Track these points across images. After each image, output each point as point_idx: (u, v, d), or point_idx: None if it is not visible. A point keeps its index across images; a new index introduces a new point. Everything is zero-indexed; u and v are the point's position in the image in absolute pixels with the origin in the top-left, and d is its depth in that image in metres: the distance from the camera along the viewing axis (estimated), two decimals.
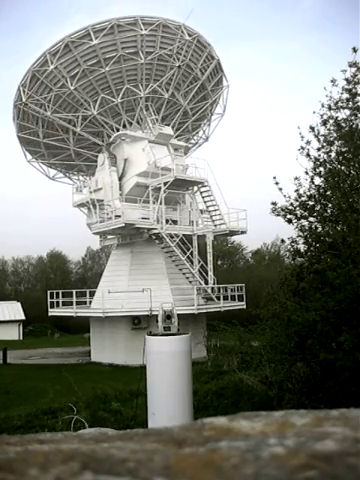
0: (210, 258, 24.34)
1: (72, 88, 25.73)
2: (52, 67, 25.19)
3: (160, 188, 23.70)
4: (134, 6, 71.60)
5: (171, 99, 27.29)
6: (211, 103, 29.18)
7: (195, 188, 25.55)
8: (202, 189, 25.29)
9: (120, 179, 25.40)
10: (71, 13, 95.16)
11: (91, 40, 24.83)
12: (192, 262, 24.32)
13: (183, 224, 24.98)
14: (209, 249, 24.45)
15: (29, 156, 29.45)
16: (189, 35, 26.44)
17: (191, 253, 24.21)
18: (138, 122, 26.80)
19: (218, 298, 24.42)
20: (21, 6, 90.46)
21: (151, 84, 26.59)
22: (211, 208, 25.62)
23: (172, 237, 23.52)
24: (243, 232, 26.28)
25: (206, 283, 24.09)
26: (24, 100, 25.89)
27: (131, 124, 26.72)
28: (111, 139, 26.40)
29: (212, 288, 24.26)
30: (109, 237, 26.57)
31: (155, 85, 26.58)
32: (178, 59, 26.43)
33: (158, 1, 78.49)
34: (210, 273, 24.22)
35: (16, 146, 29.63)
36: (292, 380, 8.04)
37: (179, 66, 26.74)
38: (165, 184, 23.55)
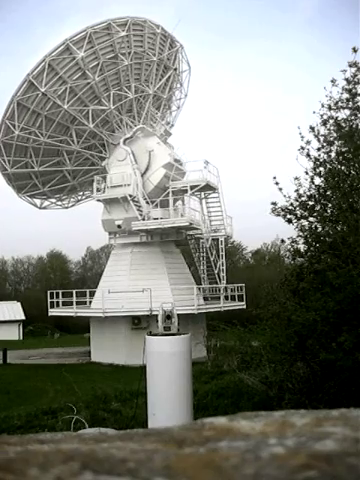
0: (223, 260, 26.12)
1: (97, 79, 24.74)
2: (81, 55, 23.97)
3: (185, 190, 24.18)
4: (131, 7, 71.61)
5: (156, 94, 27.52)
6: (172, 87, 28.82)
7: (203, 194, 25.85)
8: (213, 195, 25.72)
9: (143, 174, 24.98)
10: (70, 15, 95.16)
11: (117, 32, 24.47)
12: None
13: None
14: (221, 252, 26.00)
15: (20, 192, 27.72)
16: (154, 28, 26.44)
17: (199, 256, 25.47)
18: (134, 118, 26.71)
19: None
20: (19, 7, 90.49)
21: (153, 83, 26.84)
22: (216, 213, 26.16)
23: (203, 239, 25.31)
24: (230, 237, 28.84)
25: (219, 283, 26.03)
26: (43, 90, 24.04)
27: (133, 122, 26.63)
28: (131, 133, 25.80)
29: (225, 288, 25.95)
30: (117, 235, 25.79)
31: (159, 83, 26.84)
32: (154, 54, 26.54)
33: (154, 2, 78.60)
34: (223, 274, 25.93)
35: None
36: (292, 380, 8.03)
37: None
38: (192, 188, 24.18)
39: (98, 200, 25.46)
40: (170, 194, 24.15)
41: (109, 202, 24.95)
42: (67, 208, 30.33)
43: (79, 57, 24.14)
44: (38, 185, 27.35)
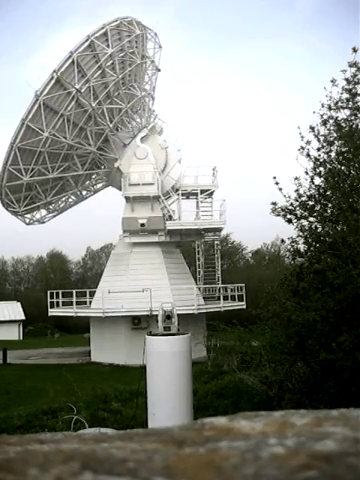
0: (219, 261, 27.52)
1: (120, 76, 23.93)
2: (111, 51, 23.08)
3: (196, 193, 24.80)
4: (129, 8, 71.58)
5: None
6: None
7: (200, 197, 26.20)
8: (209, 198, 26.13)
9: (161, 171, 24.80)
10: (68, 15, 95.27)
11: (131, 30, 24.14)
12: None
13: None
14: (217, 253, 27.04)
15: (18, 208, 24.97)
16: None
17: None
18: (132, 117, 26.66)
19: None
20: (18, 7, 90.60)
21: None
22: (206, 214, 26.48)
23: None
24: None
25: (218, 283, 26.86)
26: (78, 87, 22.60)
27: (139, 121, 26.47)
28: (146, 132, 25.39)
29: (225, 288, 26.88)
30: (131, 234, 25.03)
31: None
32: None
33: (151, 2, 78.68)
34: (218, 274, 26.94)
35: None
36: (292, 380, 8.03)
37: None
38: (202, 192, 24.88)
39: (127, 197, 24.46)
40: (180, 195, 24.58)
41: (134, 200, 24.30)
42: (44, 223, 28.44)
43: (109, 53, 23.24)
44: (41, 195, 25.47)
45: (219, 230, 25.86)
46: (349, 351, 6.17)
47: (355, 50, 7.91)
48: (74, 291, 25.33)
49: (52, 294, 26.76)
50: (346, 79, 8.08)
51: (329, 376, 6.92)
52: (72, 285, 42.70)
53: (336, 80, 8.02)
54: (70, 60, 22.53)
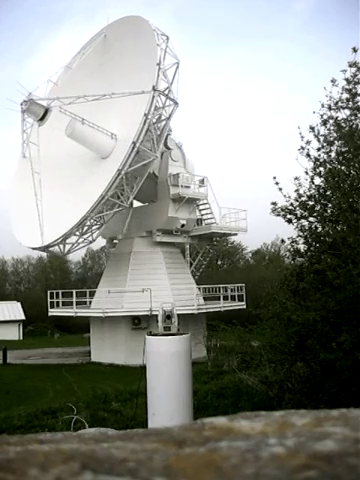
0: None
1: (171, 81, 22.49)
2: (178, 61, 22.01)
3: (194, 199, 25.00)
4: (128, 8, 71.57)
5: None
6: None
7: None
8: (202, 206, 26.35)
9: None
10: (67, 16, 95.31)
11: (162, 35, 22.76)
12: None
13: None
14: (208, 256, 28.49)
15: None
16: None
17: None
18: None
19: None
20: (16, 8, 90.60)
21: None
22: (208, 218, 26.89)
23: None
24: None
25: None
26: (176, 99, 21.83)
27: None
28: (170, 133, 24.69)
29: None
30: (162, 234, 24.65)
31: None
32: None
33: (150, 2, 78.73)
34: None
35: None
36: (292, 380, 8.04)
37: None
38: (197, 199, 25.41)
39: (180, 197, 23.56)
40: (187, 200, 24.89)
41: (181, 201, 23.84)
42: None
43: (178, 61, 21.87)
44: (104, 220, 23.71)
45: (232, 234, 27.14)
46: (349, 351, 6.17)
47: (355, 50, 7.90)
48: (74, 291, 25.30)
49: (52, 294, 26.75)
50: (346, 79, 8.08)
51: (329, 376, 6.92)
52: (72, 285, 42.63)
53: (336, 80, 8.02)
54: (161, 73, 21.12)
